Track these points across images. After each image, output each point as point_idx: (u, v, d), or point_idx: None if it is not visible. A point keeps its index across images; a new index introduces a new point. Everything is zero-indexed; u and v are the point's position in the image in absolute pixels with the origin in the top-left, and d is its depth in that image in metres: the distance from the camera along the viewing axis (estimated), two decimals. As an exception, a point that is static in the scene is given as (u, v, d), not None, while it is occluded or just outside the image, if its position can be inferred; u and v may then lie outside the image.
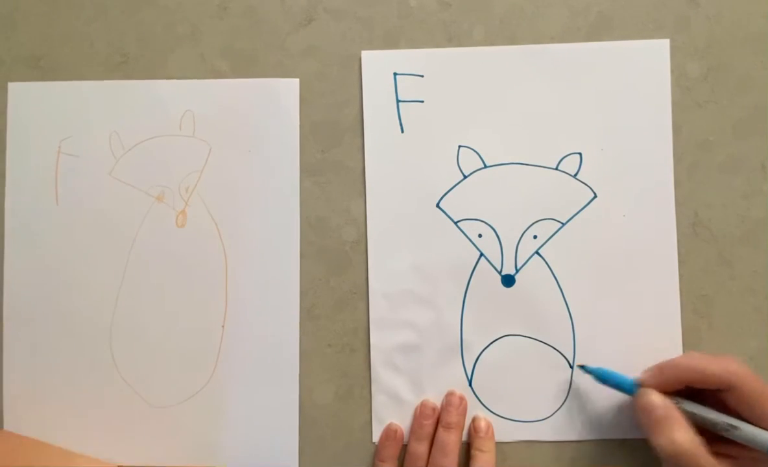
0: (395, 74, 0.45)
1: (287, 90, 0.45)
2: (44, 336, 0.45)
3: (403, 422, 0.45)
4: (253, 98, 0.45)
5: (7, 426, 0.45)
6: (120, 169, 0.45)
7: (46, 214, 0.46)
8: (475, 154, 0.45)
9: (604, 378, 0.42)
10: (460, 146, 0.45)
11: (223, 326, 0.45)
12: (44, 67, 0.46)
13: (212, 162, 0.45)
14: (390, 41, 0.45)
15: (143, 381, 0.45)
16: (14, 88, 0.46)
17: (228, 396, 0.45)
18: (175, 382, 0.45)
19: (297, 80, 0.45)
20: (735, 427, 0.36)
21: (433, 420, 0.44)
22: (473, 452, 0.43)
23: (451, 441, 0.42)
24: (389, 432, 0.44)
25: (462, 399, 0.44)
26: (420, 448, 0.42)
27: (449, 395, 0.44)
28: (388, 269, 0.45)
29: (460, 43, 0.45)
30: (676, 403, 0.38)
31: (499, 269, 0.45)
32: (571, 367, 0.44)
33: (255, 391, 0.45)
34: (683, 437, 0.36)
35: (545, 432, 0.44)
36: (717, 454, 0.36)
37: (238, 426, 0.45)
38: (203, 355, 0.45)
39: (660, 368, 0.40)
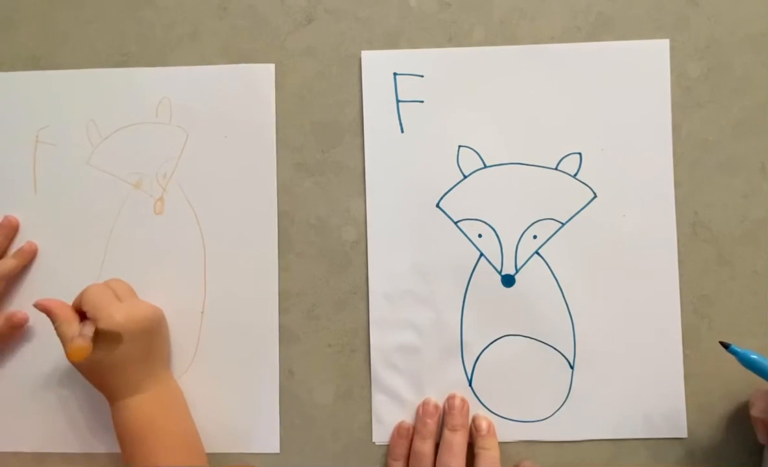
0: (395, 74, 0.45)
1: (263, 75, 0.45)
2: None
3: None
4: (229, 84, 0.45)
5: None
6: (97, 157, 0.46)
7: (25, 202, 0.46)
8: (475, 154, 0.45)
9: (750, 364, 0.39)
10: (460, 146, 0.45)
11: (202, 311, 0.45)
12: (44, 67, 0.46)
13: (189, 148, 0.45)
14: (390, 41, 0.45)
15: None
16: None
17: (208, 381, 0.45)
18: None
19: (272, 65, 0.45)
20: None
21: (436, 419, 0.44)
22: (477, 450, 0.43)
23: (457, 442, 0.42)
24: (401, 431, 0.44)
25: (464, 401, 0.44)
26: (425, 447, 0.43)
27: (450, 398, 0.44)
28: (388, 269, 0.45)
29: (460, 43, 0.45)
30: None
31: (499, 269, 0.45)
32: (572, 367, 0.44)
33: (235, 375, 0.45)
34: None
35: (545, 432, 0.44)
36: None
37: (220, 411, 0.45)
38: (183, 341, 0.45)
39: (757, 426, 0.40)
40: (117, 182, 0.46)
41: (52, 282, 0.45)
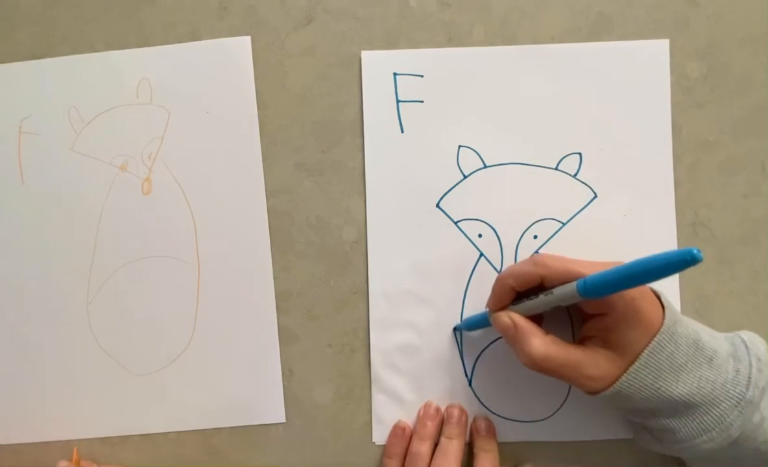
0: (395, 74, 0.45)
1: (239, 49, 0.45)
2: (20, 316, 0.46)
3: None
4: (206, 59, 0.45)
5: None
6: (81, 142, 0.46)
7: (13, 193, 0.46)
8: (475, 154, 0.45)
9: (470, 326, 0.43)
10: (460, 146, 0.45)
11: (197, 288, 0.45)
12: (44, 67, 0.46)
13: (172, 127, 0.46)
14: (390, 41, 0.45)
15: (124, 351, 0.46)
16: None
17: (209, 357, 0.45)
18: (156, 349, 0.46)
19: (248, 38, 0.45)
20: (550, 293, 0.37)
21: (437, 422, 0.44)
22: (476, 451, 0.43)
23: (453, 449, 0.42)
24: (397, 430, 0.44)
25: (462, 411, 0.44)
26: (422, 448, 0.43)
27: (450, 408, 0.44)
28: (388, 269, 0.45)
29: (460, 43, 0.45)
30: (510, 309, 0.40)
31: (499, 269, 0.45)
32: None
33: (235, 349, 0.45)
34: (535, 346, 0.37)
35: (545, 432, 0.44)
36: (586, 338, 0.39)
37: (223, 386, 0.45)
38: (181, 319, 0.45)
39: (493, 288, 0.40)
40: (103, 166, 0.46)
41: (45, 270, 0.46)
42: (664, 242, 0.44)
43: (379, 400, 0.45)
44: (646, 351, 0.36)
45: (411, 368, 0.45)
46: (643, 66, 0.45)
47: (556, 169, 0.45)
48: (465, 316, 0.45)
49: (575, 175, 0.45)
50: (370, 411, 0.45)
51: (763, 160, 0.45)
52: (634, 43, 0.45)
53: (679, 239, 0.44)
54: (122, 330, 0.46)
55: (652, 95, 0.45)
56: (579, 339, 0.40)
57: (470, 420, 0.44)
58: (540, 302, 0.38)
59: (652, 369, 0.36)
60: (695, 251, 0.29)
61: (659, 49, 0.45)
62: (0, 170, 0.46)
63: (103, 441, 0.46)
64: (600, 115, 0.45)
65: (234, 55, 0.45)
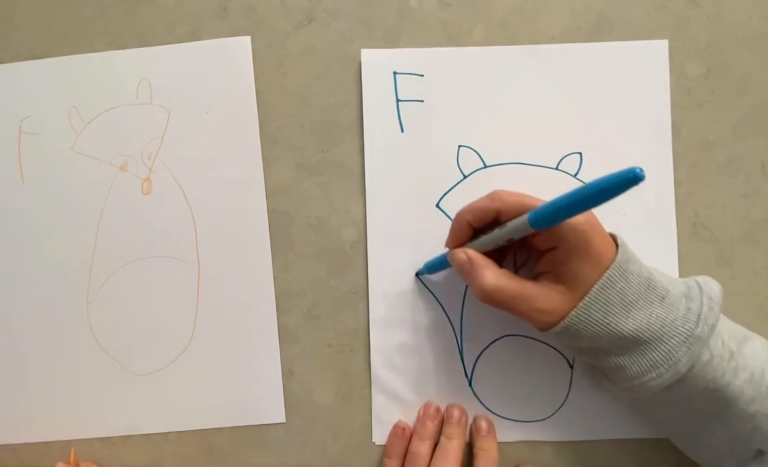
0: (395, 74, 0.45)
1: (239, 49, 0.45)
2: (21, 315, 0.46)
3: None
4: (206, 60, 0.45)
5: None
6: (81, 142, 0.46)
7: (14, 193, 0.46)
8: (475, 154, 0.45)
9: (431, 268, 0.43)
10: (460, 146, 0.45)
11: (197, 288, 0.45)
12: (44, 67, 0.46)
13: (172, 127, 0.46)
14: (390, 41, 0.45)
15: (124, 351, 0.46)
16: None
17: (209, 357, 0.45)
18: (156, 348, 0.46)
19: (248, 38, 0.45)
20: (504, 226, 0.37)
21: (437, 422, 0.44)
22: (476, 451, 0.43)
23: (453, 449, 0.42)
24: (397, 430, 0.44)
25: (462, 411, 0.44)
26: (422, 448, 0.43)
27: (450, 407, 0.44)
28: (388, 269, 0.45)
29: (460, 43, 0.45)
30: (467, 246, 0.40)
31: (499, 269, 0.44)
32: (571, 367, 0.44)
33: (235, 348, 0.45)
34: (488, 278, 0.37)
35: (545, 432, 0.44)
36: (540, 274, 0.39)
37: (223, 386, 0.45)
38: (181, 319, 0.45)
39: (451, 226, 0.41)
40: (103, 166, 0.46)
41: (45, 270, 0.46)
42: (665, 242, 0.44)
43: (379, 400, 0.45)
44: (596, 285, 0.36)
45: (411, 368, 0.45)
46: (643, 66, 0.45)
47: (556, 168, 0.45)
48: (465, 316, 0.45)
49: (575, 174, 0.45)
50: (370, 411, 0.45)
51: (763, 160, 0.45)
52: (634, 43, 0.45)
53: (679, 239, 0.44)
54: (122, 330, 0.46)
55: (652, 95, 0.45)
56: (534, 275, 0.39)
57: (470, 420, 0.44)
58: (494, 236, 0.38)
59: (601, 304, 0.36)
60: (638, 170, 0.30)
61: (659, 49, 0.45)
62: (0, 170, 0.46)
63: (103, 441, 0.46)
64: (600, 114, 0.45)
65: (234, 55, 0.45)
